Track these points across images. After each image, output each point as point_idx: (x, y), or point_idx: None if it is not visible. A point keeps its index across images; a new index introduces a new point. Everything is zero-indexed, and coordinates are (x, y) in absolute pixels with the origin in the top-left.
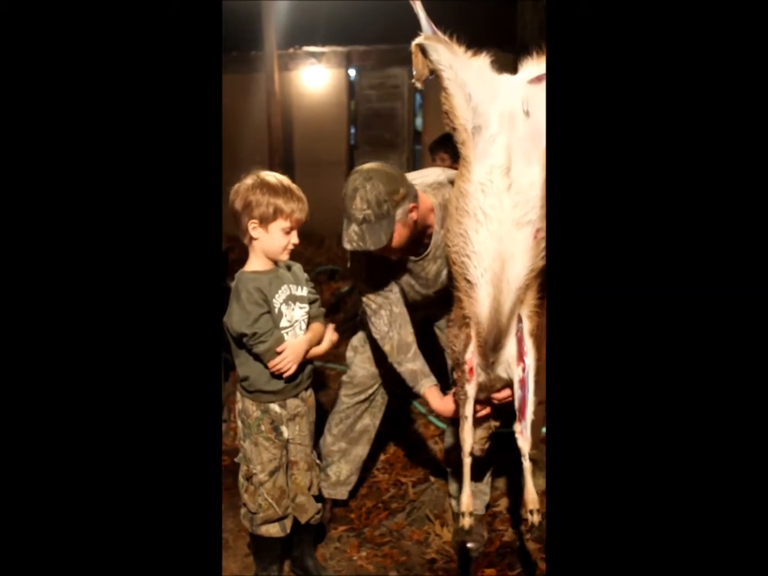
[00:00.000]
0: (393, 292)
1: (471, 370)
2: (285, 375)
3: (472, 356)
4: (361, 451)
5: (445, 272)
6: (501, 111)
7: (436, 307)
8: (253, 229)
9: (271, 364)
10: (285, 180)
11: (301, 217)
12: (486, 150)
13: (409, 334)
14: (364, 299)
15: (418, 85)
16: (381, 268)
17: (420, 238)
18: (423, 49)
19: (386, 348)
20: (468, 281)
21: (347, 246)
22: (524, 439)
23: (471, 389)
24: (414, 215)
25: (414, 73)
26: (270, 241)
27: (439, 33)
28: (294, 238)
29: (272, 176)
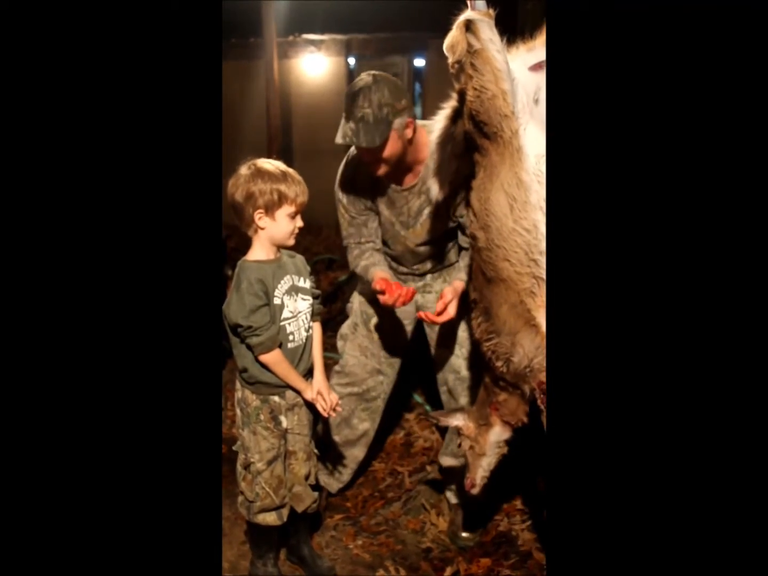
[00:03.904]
0: (371, 218)
1: None
2: (333, 413)
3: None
4: (359, 452)
5: (426, 212)
6: (520, 99)
7: (421, 274)
8: (260, 218)
9: (321, 410)
10: (282, 165)
11: (304, 200)
12: (524, 139)
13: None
14: (341, 208)
15: (456, 67)
16: (365, 189)
17: (409, 168)
18: (469, 27)
19: (348, 257)
20: (539, 279)
21: (339, 140)
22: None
23: None
24: (409, 132)
25: (453, 53)
26: (277, 229)
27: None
28: (299, 221)
29: (269, 163)
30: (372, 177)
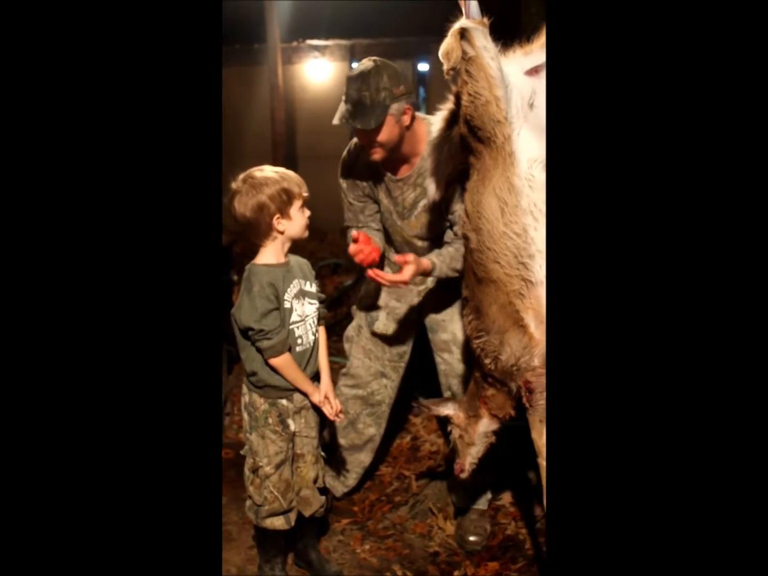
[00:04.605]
0: (369, 205)
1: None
2: (338, 418)
3: (540, 358)
4: (365, 457)
5: (421, 204)
6: (515, 103)
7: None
8: (278, 223)
9: (327, 413)
10: (272, 167)
11: (306, 189)
12: (517, 144)
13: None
14: (342, 193)
15: (451, 74)
16: (363, 177)
17: (406, 159)
18: (464, 34)
19: (348, 235)
20: (528, 281)
21: (336, 121)
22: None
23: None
24: (407, 119)
25: (448, 60)
26: (294, 226)
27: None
28: (307, 211)
29: (261, 170)
30: (370, 164)
